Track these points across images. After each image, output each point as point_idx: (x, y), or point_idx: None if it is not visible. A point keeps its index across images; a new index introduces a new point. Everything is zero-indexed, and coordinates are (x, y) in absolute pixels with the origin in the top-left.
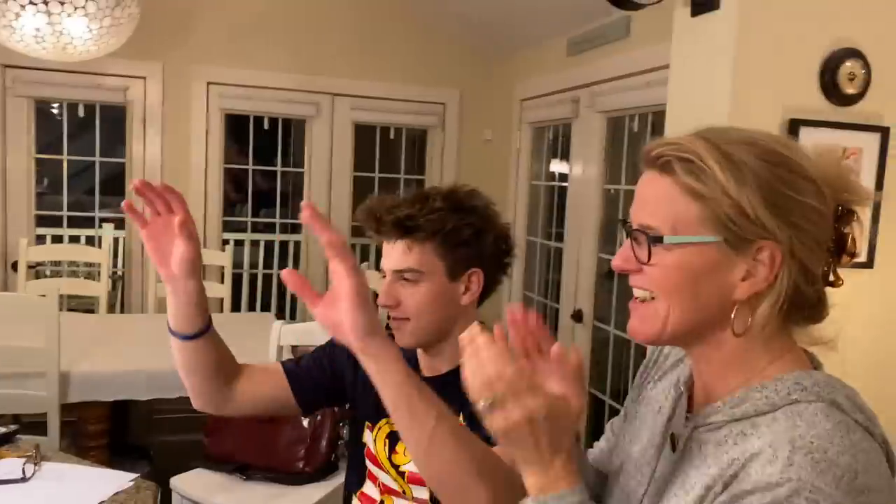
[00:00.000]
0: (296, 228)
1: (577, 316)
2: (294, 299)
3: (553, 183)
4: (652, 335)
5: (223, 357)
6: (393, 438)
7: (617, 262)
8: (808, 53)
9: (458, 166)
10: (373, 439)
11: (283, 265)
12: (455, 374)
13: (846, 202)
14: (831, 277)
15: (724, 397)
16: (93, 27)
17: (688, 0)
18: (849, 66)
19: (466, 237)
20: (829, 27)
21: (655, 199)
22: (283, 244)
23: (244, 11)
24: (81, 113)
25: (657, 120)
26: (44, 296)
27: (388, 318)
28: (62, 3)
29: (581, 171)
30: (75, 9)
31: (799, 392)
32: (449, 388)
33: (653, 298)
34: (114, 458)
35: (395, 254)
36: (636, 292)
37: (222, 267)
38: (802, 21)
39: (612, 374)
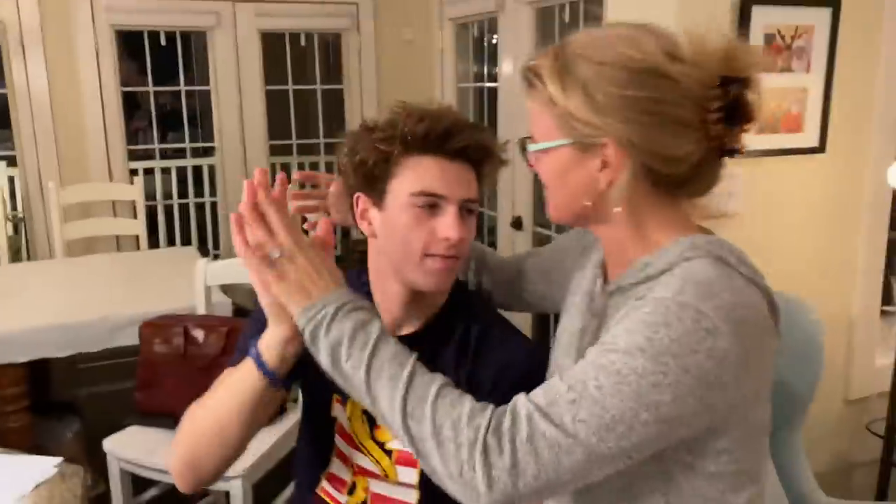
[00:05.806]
0: (208, 152)
1: (517, 223)
2: (216, 229)
3: (482, 84)
4: (554, 218)
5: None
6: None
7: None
8: None
9: (379, 71)
10: (346, 417)
11: (198, 193)
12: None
13: (734, 71)
14: (735, 146)
15: (629, 268)
16: None
17: None
18: None
19: None
20: None
21: (530, 112)
22: (197, 169)
23: None
24: None
25: (590, 9)
26: None
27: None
28: None
29: (511, 69)
30: None
31: (691, 251)
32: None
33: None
34: (38, 417)
35: (466, 182)
36: None
37: (133, 201)
38: None
39: None
